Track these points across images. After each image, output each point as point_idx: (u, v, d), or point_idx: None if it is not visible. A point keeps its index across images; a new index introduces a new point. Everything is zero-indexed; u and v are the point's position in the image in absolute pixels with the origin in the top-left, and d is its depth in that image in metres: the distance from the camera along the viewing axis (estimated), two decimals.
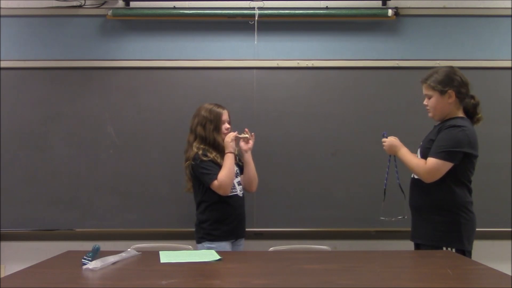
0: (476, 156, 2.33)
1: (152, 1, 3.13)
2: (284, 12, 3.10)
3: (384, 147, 2.49)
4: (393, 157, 2.53)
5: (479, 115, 2.39)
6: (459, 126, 2.27)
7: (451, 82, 2.32)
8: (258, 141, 3.03)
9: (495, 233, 3.03)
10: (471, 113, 2.39)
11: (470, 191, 2.37)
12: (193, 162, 2.58)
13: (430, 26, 3.11)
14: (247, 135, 2.66)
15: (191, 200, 2.73)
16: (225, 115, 2.65)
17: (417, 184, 2.38)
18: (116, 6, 3.14)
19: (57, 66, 3.11)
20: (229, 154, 2.55)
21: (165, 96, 3.11)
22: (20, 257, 3.01)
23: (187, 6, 3.13)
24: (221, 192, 2.54)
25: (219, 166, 2.56)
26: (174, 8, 3.10)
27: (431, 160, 2.26)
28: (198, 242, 2.64)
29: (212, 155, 2.58)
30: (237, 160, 2.72)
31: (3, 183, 3.06)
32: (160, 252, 2.18)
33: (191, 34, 3.14)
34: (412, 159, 2.36)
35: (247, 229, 2.76)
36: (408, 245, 2.55)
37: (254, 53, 3.12)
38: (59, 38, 3.13)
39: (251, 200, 2.89)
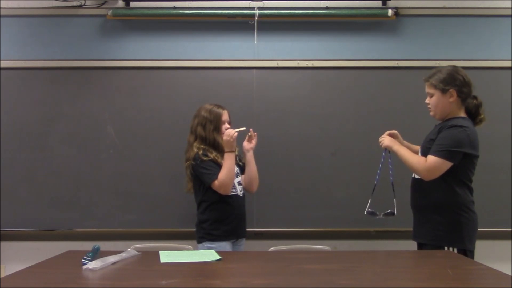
0: (477, 156, 2.32)
1: (152, 1, 3.13)
2: (284, 12, 3.10)
3: (381, 140, 2.48)
4: (387, 153, 2.50)
5: (482, 116, 2.38)
6: (460, 126, 2.27)
7: (453, 81, 2.31)
8: (258, 141, 3.03)
9: (495, 233, 3.03)
10: (473, 114, 2.38)
11: (471, 190, 2.36)
12: (193, 162, 2.58)
13: (430, 26, 3.11)
14: (244, 130, 2.63)
15: (191, 200, 2.73)
16: (225, 115, 2.65)
17: (418, 184, 2.38)
18: (116, 6, 3.14)
19: (57, 66, 3.11)
20: (229, 153, 2.54)
21: (165, 96, 3.11)
22: (20, 257, 3.01)
23: (187, 6, 3.13)
24: (221, 192, 2.54)
25: (219, 166, 2.56)
26: (174, 8, 3.10)
27: (432, 158, 2.26)
28: (199, 242, 2.64)
29: (213, 155, 2.58)
30: (238, 160, 2.72)
31: (3, 183, 3.06)
32: (160, 252, 2.18)
33: (191, 34, 3.14)
34: (412, 156, 2.36)
35: (247, 229, 2.77)
36: (408, 245, 2.55)
37: (254, 53, 3.12)
38: (59, 38, 3.13)
39: (251, 200, 2.88)
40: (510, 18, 3.09)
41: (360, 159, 3.06)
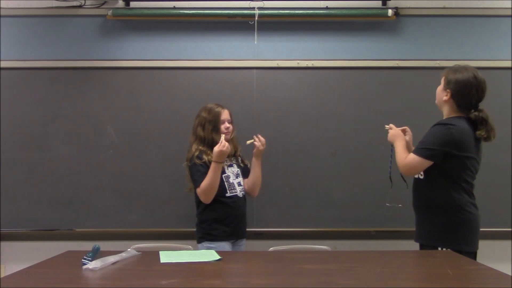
0: (469, 157, 2.25)
1: (152, 1, 3.13)
2: (284, 12, 3.10)
3: (388, 135, 2.48)
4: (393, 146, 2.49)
5: (480, 132, 2.26)
6: (445, 124, 2.25)
7: (454, 84, 2.28)
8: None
9: (495, 233, 3.03)
10: (475, 125, 2.29)
11: (468, 191, 2.29)
12: (189, 164, 2.61)
13: (430, 26, 3.11)
14: (252, 140, 2.62)
15: (191, 200, 2.73)
16: (224, 115, 2.65)
17: (417, 185, 2.38)
18: (116, 6, 3.14)
19: (57, 66, 3.11)
20: (216, 164, 2.49)
21: (165, 96, 3.11)
22: (20, 257, 3.01)
23: (187, 6, 3.13)
24: (202, 199, 2.56)
25: None
26: (174, 8, 3.10)
27: (410, 156, 2.27)
28: (198, 242, 2.65)
29: (209, 156, 2.57)
30: (239, 161, 2.73)
31: (3, 183, 3.06)
32: (160, 252, 2.18)
33: (191, 34, 3.14)
34: (400, 151, 2.35)
35: (247, 229, 2.77)
36: (408, 245, 2.55)
37: (254, 53, 3.12)
38: (59, 38, 3.13)
39: (251, 200, 2.88)
40: (510, 18, 3.09)
41: (360, 159, 3.06)
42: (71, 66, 3.12)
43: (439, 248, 2.26)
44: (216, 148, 2.46)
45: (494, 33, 3.11)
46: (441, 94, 2.34)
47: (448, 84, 2.30)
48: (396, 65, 3.09)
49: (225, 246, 2.58)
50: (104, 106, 3.11)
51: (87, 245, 2.16)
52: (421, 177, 2.34)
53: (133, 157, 3.08)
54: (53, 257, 2.18)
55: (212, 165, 2.50)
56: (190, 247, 2.66)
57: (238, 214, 2.65)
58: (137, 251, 2.20)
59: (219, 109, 2.64)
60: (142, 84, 3.12)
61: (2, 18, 3.12)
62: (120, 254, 2.10)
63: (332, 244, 2.85)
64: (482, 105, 2.31)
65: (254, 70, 3.12)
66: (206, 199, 2.56)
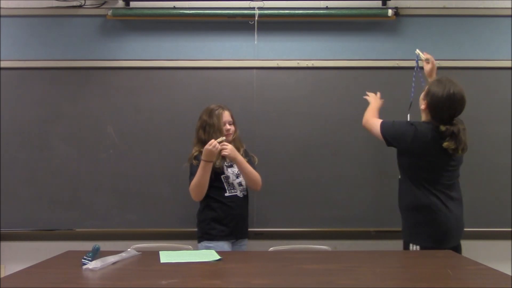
0: (424, 159, 2.38)
1: (152, 1, 3.13)
2: (284, 12, 3.10)
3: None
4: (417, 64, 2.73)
5: (447, 144, 2.34)
6: (412, 124, 2.42)
7: (430, 97, 2.39)
8: (258, 141, 3.05)
9: (495, 233, 3.03)
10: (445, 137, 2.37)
11: (432, 192, 2.38)
12: (188, 164, 2.65)
13: (430, 26, 3.11)
14: (222, 138, 2.55)
15: (191, 200, 2.73)
16: (225, 116, 2.66)
17: (398, 185, 2.56)
18: (116, 6, 3.14)
19: (57, 66, 3.11)
20: (205, 162, 2.50)
21: (165, 96, 3.11)
22: (20, 257, 3.02)
23: (187, 6, 3.13)
24: (192, 197, 2.60)
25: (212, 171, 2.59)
26: (174, 8, 3.10)
27: (376, 118, 2.57)
28: (198, 241, 2.66)
29: None
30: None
31: (3, 183, 3.06)
32: (160, 252, 2.18)
33: (191, 34, 3.14)
34: (369, 109, 2.68)
35: None
36: None
37: (254, 53, 3.12)
38: (59, 38, 3.13)
39: (251, 200, 2.88)
40: (510, 18, 3.09)
41: (360, 159, 3.06)
42: (71, 66, 3.12)
43: (411, 245, 2.43)
44: (206, 147, 2.47)
45: (494, 33, 3.11)
46: (421, 101, 2.48)
47: (426, 95, 2.42)
48: (396, 65, 3.09)
49: (224, 245, 2.58)
50: (104, 106, 3.11)
51: (87, 245, 2.16)
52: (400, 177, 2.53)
53: (133, 157, 3.08)
54: (53, 257, 2.18)
55: (201, 163, 2.52)
56: (190, 247, 2.66)
57: (237, 214, 2.66)
58: (137, 251, 2.20)
59: (219, 111, 2.65)
60: (142, 84, 3.12)
61: (2, 18, 3.12)
62: (120, 254, 2.10)
63: (332, 244, 2.85)
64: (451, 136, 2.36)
65: (254, 70, 3.12)
66: (195, 196, 2.59)
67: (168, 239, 2.89)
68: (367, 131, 3.03)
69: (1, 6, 3.12)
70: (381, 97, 2.79)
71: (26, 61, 3.11)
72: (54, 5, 3.13)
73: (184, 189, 2.71)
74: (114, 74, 3.12)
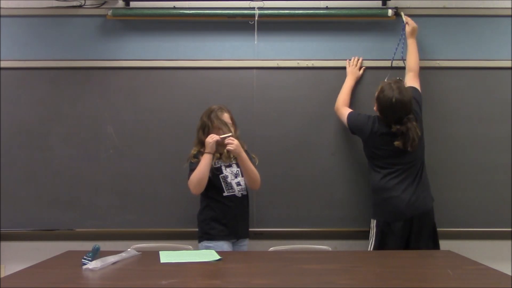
0: (379, 150, 2.74)
1: (152, 1, 3.12)
2: (284, 12, 3.09)
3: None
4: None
5: (397, 142, 2.65)
6: (374, 120, 2.77)
7: (376, 100, 2.74)
8: (258, 141, 3.04)
9: (495, 233, 3.03)
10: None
11: (385, 177, 2.70)
12: (186, 163, 2.68)
13: (430, 26, 3.11)
14: (226, 135, 2.61)
15: (191, 200, 2.74)
16: (224, 119, 2.67)
17: None
18: (116, 6, 3.14)
19: (57, 66, 3.11)
20: (205, 155, 2.57)
21: (165, 96, 3.11)
22: (20, 257, 3.01)
23: (187, 6, 3.12)
24: (191, 190, 2.61)
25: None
26: (174, 8, 3.10)
27: (347, 108, 2.94)
28: (199, 241, 2.67)
29: None
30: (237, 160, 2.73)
31: (3, 183, 3.06)
32: (160, 252, 2.19)
33: (191, 34, 3.14)
34: (343, 90, 3.01)
35: None
36: None
37: (254, 53, 3.12)
38: (59, 38, 3.13)
39: (251, 200, 2.88)
40: (510, 18, 3.09)
41: (360, 159, 3.06)
42: (71, 66, 3.12)
43: (371, 220, 2.78)
44: (207, 139, 2.58)
45: (494, 33, 3.10)
46: (374, 102, 2.77)
47: (376, 99, 2.73)
48: (396, 65, 3.09)
49: (224, 245, 2.59)
50: (104, 106, 3.10)
51: (87, 245, 2.16)
52: None
53: (133, 157, 3.08)
54: (53, 257, 2.18)
55: (203, 158, 2.57)
56: (190, 247, 2.67)
57: (236, 214, 2.66)
58: (137, 251, 2.20)
59: (219, 112, 2.66)
60: (142, 84, 3.12)
61: (2, 18, 3.12)
62: (120, 254, 2.10)
63: (332, 244, 2.85)
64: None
65: (254, 70, 3.12)
66: (194, 188, 2.60)
67: (168, 239, 2.90)
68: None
69: (1, 6, 3.12)
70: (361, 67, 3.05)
71: (26, 61, 3.11)
72: (54, 5, 3.13)
73: (184, 189, 2.71)
74: (114, 74, 3.12)
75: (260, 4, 3.07)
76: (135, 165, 3.08)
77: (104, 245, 2.18)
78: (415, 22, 3.01)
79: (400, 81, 2.77)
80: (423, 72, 3.01)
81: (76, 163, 3.08)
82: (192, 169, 2.61)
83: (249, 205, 2.82)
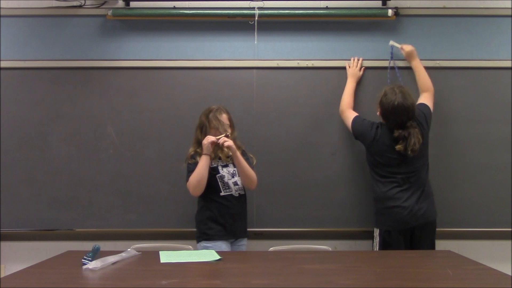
0: (381, 157, 2.72)
1: (152, 1, 3.12)
2: (284, 12, 3.09)
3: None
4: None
5: (399, 146, 2.65)
6: (377, 127, 2.77)
7: (380, 105, 2.74)
8: (258, 141, 3.05)
9: (495, 233, 3.03)
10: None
11: (385, 184, 2.70)
12: (185, 163, 2.69)
13: (430, 26, 3.11)
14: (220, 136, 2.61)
15: (190, 200, 2.73)
16: (222, 120, 2.66)
17: None
18: (116, 6, 3.14)
19: (57, 66, 3.11)
20: (203, 156, 2.59)
21: (164, 96, 3.11)
22: (20, 257, 3.01)
23: (187, 6, 3.12)
24: (190, 192, 2.62)
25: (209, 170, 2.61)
26: (174, 8, 3.10)
27: (351, 110, 2.93)
28: (197, 241, 2.67)
29: None
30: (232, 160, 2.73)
31: (3, 183, 3.06)
32: (160, 252, 2.19)
33: (191, 34, 3.14)
34: (346, 92, 3.00)
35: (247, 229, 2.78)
36: None
37: (254, 53, 3.12)
38: (59, 38, 3.13)
39: (251, 200, 2.88)
40: (510, 18, 3.09)
41: (360, 159, 3.06)
42: (71, 66, 3.12)
43: (374, 229, 2.77)
44: (203, 141, 2.58)
45: (494, 33, 3.11)
46: (376, 107, 2.77)
47: (378, 103, 2.74)
48: (396, 65, 3.09)
49: (222, 245, 2.59)
50: (104, 106, 3.10)
51: (87, 245, 2.16)
52: None
53: (133, 157, 3.08)
54: (53, 257, 2.18)
55: (200, 160, 2.58)
56: (190, 247, 2.67)
57: (233, 214, 2.66)
58: (137, 251, 2.21)
59: (217, 113, 2.66)
60: (142, 84, 3.12)
61: (2, 18, 3.12)
62: (120, 254, 2.10)
63: (332, 244, 2.86)
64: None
65: (254, 70, 3.12)
66: (193, 190, 2.61)
67: (168, 239, 2.90)
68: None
69: (1, 6, 3.12)
70: (361, 67, 3.05)
71: (26, 61, 3.11)
72: (54, 5, 3.13)
73: (184, 189, 2.71)
74: (114, 74, 3.12)
75: (260, 4, 3.07)
76: (135, 165, 3.08)
77: (104, 245, 2.18)
78: (415, 22, 3.01)
79: (403, 87, 2.73)
80: None
81: (76, 163, 3.08)
82: (190, 171, 2.62)
83: (248, 205, 2.82)
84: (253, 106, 3.10)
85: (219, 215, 2.63)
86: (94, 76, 3.12)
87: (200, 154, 2.62)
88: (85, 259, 1.97)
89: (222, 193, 2.65)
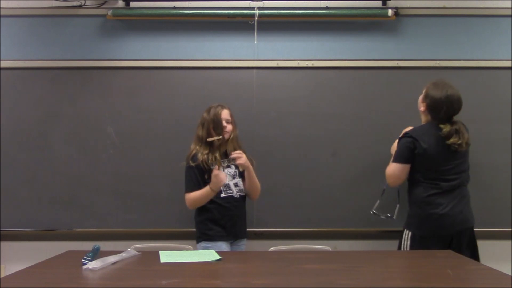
0: (423, 156, 2.55)
1: (152, 1, 3.13)
2: (284, 12, 3.10)
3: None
4: None
5: (453, 140, 2.54)
6: (405, 135, 2.62)
7: (429, 99, 2.59)
8: (258, 141, 3.05)
9: (495, 233, 3.03)
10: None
11: (427, 188, 2.56)
12: (185, 164, 2.67)
13: (430, 26, 3.11)
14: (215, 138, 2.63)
15: None
16: (223, 114, 2.67)
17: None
18: (116, 6, 3.14)
19: (57, 66, 3.11)
20: (209, 189, 2.57)
21: (165, 96, 3.11)
22: (20, 257, 3.02)
23: (187, 6, 3.13)
24: (187, 205, 2.66)
25: (204, 171, 2.60)
26: (174, 8, 3.10)
27: (391, 166, 2.64)
28: (197, 242, 2.67)
29: (204, 156, 2.60)
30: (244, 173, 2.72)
31: (3, 183, 3.06)
32: (160, 252, 2.19)
33: (191, 34, 3.14)
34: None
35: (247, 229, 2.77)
36: None
37: (254, 53, 3.12)
38: (59, 38, 3.13)
39: (251, 201, 2.88)
40: (510, 18, 3.09)
41: (360, 159, 3.06)
42: (71, 66, 3.12)
43: (405, 230, 2.63)
44: (214, 178, 2.54)
45: (494, 33, 3.11)
46: (420, 104, 2.65)
47: (425, 98, 2.61)
48: (396, 65, 3.09)
49: (222, 246, 2.58)
50: (104, 106, 3.11)
51: (87, 245, 2.16)
52: None
53: (133, 157, 3.08)
54: (53, 257, 2.18)
55: (207, 190, 2.57)
56: (190, 247, 2.66)
57: (233, 215, 2.66)
58: (137, 251, 2.20)
59: (218, 108, 2.66)
60: (142, 84, 3.12)
61: (2, 18, 3.12)
62: (120, 254, 2.10)
63: (332, 244, 2.85)
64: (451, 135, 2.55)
65: (254, 70, 3.12)
66: (190, 207, 2.67)
67: (168, 239, 2.90)
68: (367, 131, 3.07)
69: (1, 6, 3.12)
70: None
71: (26, 61, 3.11)
72: (54, 5, 3.13)
73: (184, 189, 2.71)
74: (114, 74, 3.12)
75: (260, 4, 3.07)
76: (135, 165, 3.08)
77: (104, 245, 2.18)
78: (415, 22, 3.03)
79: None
80: (424, 72, 3.02)
81: (76, 163, 3.08)
82: (190, 180, 2.63)
83: (248, 205, 2.81)
84: (253, 106, 3.10)
85: (219, 216, 2.62)
86: (94, 76, 3.12)
87: (200, 152, 2.61)
88: (85, 259, 1.96)
89: (223, 194, 2.64)
